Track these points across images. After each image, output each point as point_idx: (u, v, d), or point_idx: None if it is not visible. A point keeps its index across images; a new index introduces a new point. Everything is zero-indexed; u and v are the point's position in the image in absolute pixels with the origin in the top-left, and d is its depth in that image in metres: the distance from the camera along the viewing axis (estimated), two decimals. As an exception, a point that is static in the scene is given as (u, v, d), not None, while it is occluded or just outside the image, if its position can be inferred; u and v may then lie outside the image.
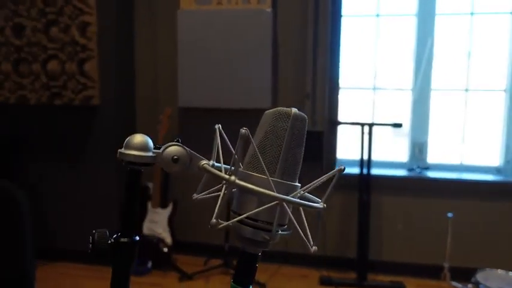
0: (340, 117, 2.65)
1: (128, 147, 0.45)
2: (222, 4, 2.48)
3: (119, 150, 0.46)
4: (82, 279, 2.43)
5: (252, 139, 0.42)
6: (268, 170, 0.41)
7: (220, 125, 0.47)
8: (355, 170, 2.45)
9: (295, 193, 0.42)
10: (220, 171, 0.43)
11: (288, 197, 0.40)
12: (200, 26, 2.49)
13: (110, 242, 0.46)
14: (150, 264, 2.46)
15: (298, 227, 0.41)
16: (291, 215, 0.42)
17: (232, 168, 0.41)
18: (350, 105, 2.77)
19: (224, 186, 0.41)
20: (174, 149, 0.45)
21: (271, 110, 0.45)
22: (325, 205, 0.44)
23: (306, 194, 0.45)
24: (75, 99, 2.43)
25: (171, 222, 2.52)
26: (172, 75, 2.60)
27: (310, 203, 0.43)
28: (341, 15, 2.56)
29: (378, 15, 2.63)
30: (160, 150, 0.45)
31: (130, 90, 2.71)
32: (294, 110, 0.43)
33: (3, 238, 1.16)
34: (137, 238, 0.48)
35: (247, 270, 0.45)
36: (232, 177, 0.40)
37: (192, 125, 2.68)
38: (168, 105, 2.62)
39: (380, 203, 2.53)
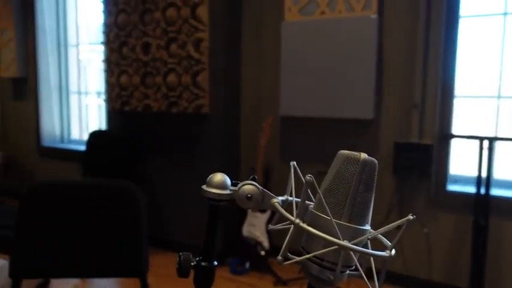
0: (455, 130, 2.38)
1: (209, 185, 0.50)
2: (326, 13, 2.46)
3: (202, 187, 0.51)
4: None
5: (317, 186, 0.44)
6: (336, 213, 0.43)
7: (295, 162, 0.49)
8: (471, 189, 2.18)
9: (357, 240, 0.43)
10: (291, 209, 0.45)
11: (349, 245, 0.41)
12: (303, 36, 2.52)
13: (192, 264, 0.52)
14: (248, 265, 2.58)
15: (362, 273, 0.42)
16: (355, 260, 0.42)
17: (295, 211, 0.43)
18: (468, 116, 2.47)
19: (291, 226, 0.43)
20: (248, 188, 0.49)
21: (343, 152, 0.46)
22: (392, 253, 0.43)
23: (379, 235, 0.45)
24: (189, 108, 2.69)
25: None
26: (275, 85, 2.68)
27: (374, 252, 0.43)
28: (459, 16, 2.30)
29: (505, 14, 2.29)
30: (236, 188, 0.50)
31: (237, 99, 2.87)
32: (364, 155, 0.44)
33: (124, 229, 1.35)
34: (215, 263, 0.53)
35: None
36: (297, 220, 0.42)
37: (293, 133, 2.72)
38: (270, 114, 2.71)
39: (499, 228, 2.20)
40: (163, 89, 2.77)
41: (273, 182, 2.75)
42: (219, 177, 0.51)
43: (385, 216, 2.34)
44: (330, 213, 0.42)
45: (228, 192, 0.50)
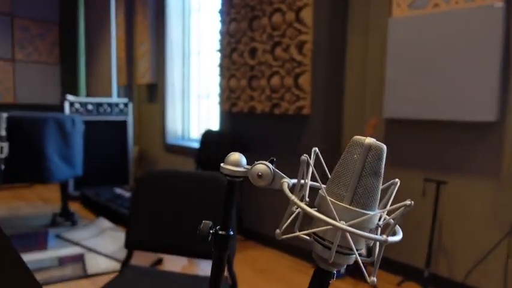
0: None
1: (226, 163, 0.55)
2: (440, 6, 2.24)
3: (221, 164, 0.55)
4: (272, 262, 2.71)
5: (311, 165, 0.46)
6: (340, 196, 0.44)
7: (316, 148, 0.50)
8: None
9: (353, 221, 0.42)
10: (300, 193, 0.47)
11: (341, 225, 0.40)
12: (412, 33, 2.34)
13: (211, 231, 0.57)
14: (343, 269, 2.50)
15: (358, 257, 0.42)
16: (351, 241, 0.41)
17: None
18: None
19: (292, 205, 0.45)
20: (260, 167, 0.51)
21: (354, 137, 0.45)
22: (388, 239, 0.41)
23: (392, 221, 0.44)
24: (290, 109, 2.74)
25: (367, 233, 2.47)
26: (380, 86, 2.55)
27: (370, 235, 0.41)
28: None
29: None
30: (250, 167, 0.53)
31: (339, 100, 2.81)
32: (369, 139, 0.44)
33: (215, 215, 1.46)
34: (231, 233, 0.57)
35: (319, 286, 0.46)
36: (292, 197, 0.44)
37: (398, 137, 2.54)
38: (375, 116, 2.59)
39: None
40: (267, 91, 2.88)
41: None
42: (236, 156, 0.54)
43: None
44: (325, 193, 0.43)
45: (242, 169, 0.53)
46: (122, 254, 2.78)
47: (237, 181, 0.56)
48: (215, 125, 4.07)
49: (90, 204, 3.96)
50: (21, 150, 2.87)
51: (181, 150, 4.28)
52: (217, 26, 3.33)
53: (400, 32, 2.39)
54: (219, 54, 3.34)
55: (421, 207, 2.40)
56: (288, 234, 0.46)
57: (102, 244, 2.96)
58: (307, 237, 0.46)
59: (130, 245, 1.48)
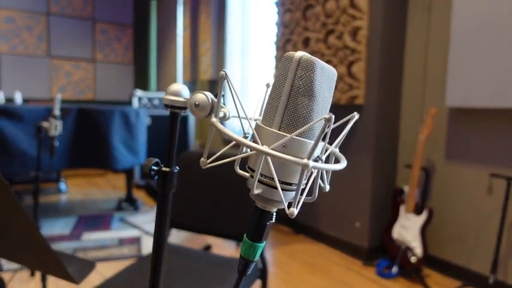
0: None
1: (167, 93, 0.52)
2: (513, -21, 1.97)
3: (164, 96, 0.53)
4: (321, 257, 2.60)
5: (230, 83, 0.41)
6: (269, 119, 0.39)
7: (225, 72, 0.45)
8: None
9: (275, 145, 0.37)
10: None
11: (260, 147, 0.36)
12: (480, 12, 2.09)
13: (155, 168, 0.54)
14: (396, 269, 2.32)
15: (277, 183, 0.36)
16: (272, 167, 0.36)
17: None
18: None
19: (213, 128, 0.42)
20: (198, 96, 0.49)
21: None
22: (309, 163, 0.34)
23: (336, 150, 0.41)
24: (342, 99, 2.62)
25: (424, 231, 2.26)
26: (442, 72, 2.32)
27: (291, 158, 0.35)
28: None
29: None
30: (188, 97, 0.50)
31: (397, 89, 2.62)
32: (300, 53, 0.38)
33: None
34: (176, 169, 0.55)
35: (258, 226, 0.41)
36: (213, 118, 0.42)
37: (462, 128, 2.29)
38: (435, 105, 2.37)
39: None
40: (320, 81, 2.79)
41: (435, 183, 2.39)
42: (177, 86, 0.51)
43: None
44: (245, 113, 0.39)
45: (181, 99, 0.51)
46: (174, 237, 2.88)
47: (179, 112, 0.53)
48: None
49: (153, 192, 4.19)
50: (91, 139, 3.12)
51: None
52: (274, 18, 3.31)
53: (466, 11, 2.15)
54: (274, 47, 3.32)
55: (485, 206, 2.13)
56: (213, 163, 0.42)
57: (159, 228, 3.10)
58: (246, 174, 0.41)
59: (170, 224, 1.52)
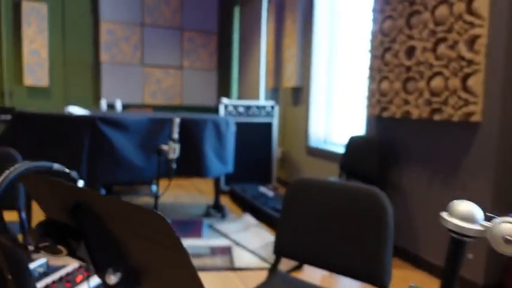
0: None
1: (452, 214, 0.40)
2: None
3: (441, 213, 0.41)
4: (421, 283, 2.36)
5: None
6: None
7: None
8: None
9: None
10: None
11: None
12: None
13: None
14: None
15: None
16: None
17: None
18: None
19: None
20: (508, 227, 0.35)
21: None
22: None
23: None
24: (455, 115, 2.36)
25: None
26: None
27: None
28: None
29: None
30: (490, 225, 0.37)
31: (522, 105, 2.29)
32: None
33: (368, 234, 1.32)
34: None
35: None
36: None
37: None
38: None
39: None
40: (426, 95, 2.54)
41: None
42: (467, 206, 0.39)
43: None
44: None
45: (477, 227, 0.38)
46: (265, 251, 2.85)
47: (466, 241, 0.41)
48: (359, 130, 3.85)
49: (237, 199, 4.23)
50: (184, 148, 3.22)
51: (324, 154, 4.19)
52: (369, 25, 3.12)
53: None
54: (368, 56, 3.12)
55: None
56: None
57: (248, 239, 3.10)
58: None
59: (279, 252, 1.46)
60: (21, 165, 0.63)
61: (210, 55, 6.31)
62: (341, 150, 3.84)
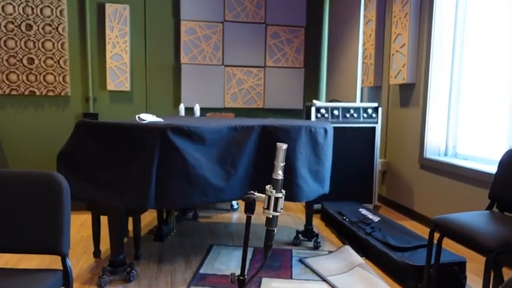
0: None
1: None
2: None
3: None
4: None
5: None
6: None
7: None
8: None
9: None
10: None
11: None
12: None
13: None
14: None
15: None
16: None
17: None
18: None
19: None
20: None
21: None
22: None
23: None
24: None
25: None
26: None
27: None
28: None
29: None
30: None
31: None
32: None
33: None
34: None
35: None
36: None
37: None
38: None
39: None
40: None
41: None
42: None
43: None
44: None
45: None
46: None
47: None
48: (502, 141, 2.81)
49: (331, 221, 3.45)
50: (270, 164, 2.54)
51: (446, 169, 3.20)
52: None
53: None
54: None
55: None
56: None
57: (354, 287, 2.31)
58: None
59: None
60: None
61: (297, 52, 5.60)
62: (474, 165, 2.85)
